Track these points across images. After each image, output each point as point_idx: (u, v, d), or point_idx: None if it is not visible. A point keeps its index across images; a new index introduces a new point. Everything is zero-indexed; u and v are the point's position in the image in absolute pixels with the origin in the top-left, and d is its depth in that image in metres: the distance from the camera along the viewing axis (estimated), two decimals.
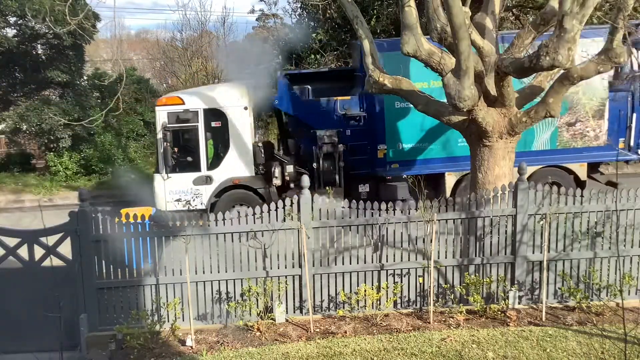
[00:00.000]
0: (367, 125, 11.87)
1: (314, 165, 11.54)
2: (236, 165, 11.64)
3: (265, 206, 7.53)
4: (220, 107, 11.61)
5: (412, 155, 11.73)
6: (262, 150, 11.89)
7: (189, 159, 11.66)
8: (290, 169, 11.83)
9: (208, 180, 11.47)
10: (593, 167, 12.11)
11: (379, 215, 7.63)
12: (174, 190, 11.49)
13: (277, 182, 11.55)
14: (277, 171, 11.55)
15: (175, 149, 11.58)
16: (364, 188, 11.77)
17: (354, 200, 7.69)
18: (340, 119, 11.88)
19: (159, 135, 11.42)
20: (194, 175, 11.54)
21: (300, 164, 12.02)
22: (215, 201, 11.59)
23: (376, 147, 11.74)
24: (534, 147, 11.60)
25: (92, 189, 17.50)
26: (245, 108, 11.71)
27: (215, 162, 11.72)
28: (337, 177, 11.40)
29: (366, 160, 11.91)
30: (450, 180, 11.75)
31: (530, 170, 11.07)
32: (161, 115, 11.43)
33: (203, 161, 11.56)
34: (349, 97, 12.01)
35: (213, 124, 11.63)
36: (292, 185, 11.73)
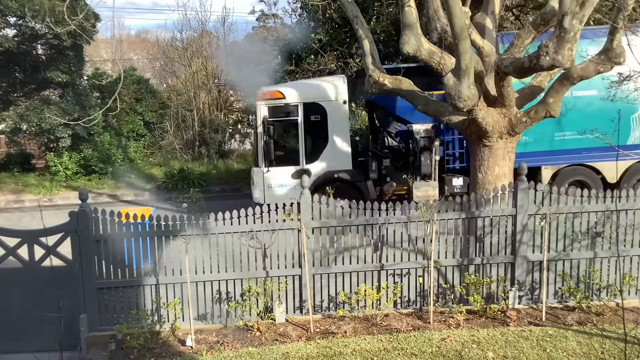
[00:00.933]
0: None
1: (410, 159, 11.73)
2: (334, 159, 11.84)
3: (265, 206, 7.53)
4: (320, 101, 11.78)
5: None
6: (359, 144, 12.03)
7: (288, 152, 11.93)
8: (386, 162, 12.03)
9: (307, 173, 11.71)
10: None
11: (379, 215, 7.63)
12: (272, 184, 11.75)
13: (373, 175, 11.77)
14: (373, 165, 11.76)
15: (275, 143, 11.79)
16: (457, 182, 11.81)
17: (354, 200, 7.69)
18: None
19: (259, 129, 11.70)
20: (292, 168, 11.82)
21: (394, 158, 12.22)
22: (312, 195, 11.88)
23: None
24: (629, 142, 11.46)
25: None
26: (345, 102, 11.91)
27: (313, 155, 11.94)
28: (432, 171, 11.51)
29: (461, 154, 11.98)
30: (546, 173, 11.70)
31: (624, 165, 11.20)
32: (262, 109, 11.67)
33: (302, 155, 11.81)
34: (443, 92, 12.08)
35: (312, 118, 11.83)
36: (388, 179, 11.94)
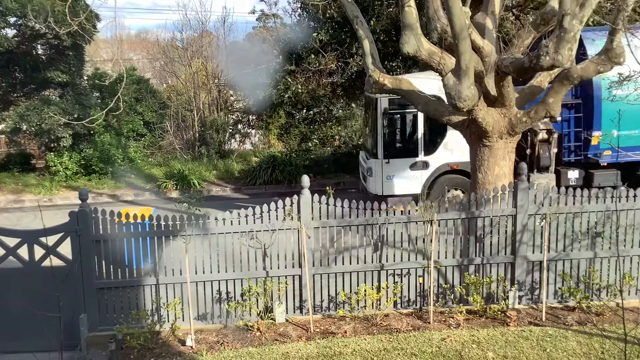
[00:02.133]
0: (580, 112, 11.92)
1: (527, 151, 11.76)
2: (453, 151, 12.00)
3: (265, 206, 7.53)
4: (439, 94, 11.87)
5: (628, 142, 11.63)
6: None
7: (407, 144, 12.19)
8: None
9: (424, 165, 12.03)
10: None
11: (379, 215, 7.63)
12: (391, 175, 12.07)
13: None
14: None
15: (394, 135, 12.13)
16: (573, 174, 11.90)
17: (354, 200, 7.69)
18: None
19: (379, 121, 11.93)
20: (411, 160, 12.13)
21: None
22: (430, 186, 12.15)
23: (590, 133, 11.80)
24: None
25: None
26: None
27: (431, 147, 12.18)
28: (551, 163, 11.60)
29: (578, 147, 12.03)
30: None
31: None
32: (382, 102, 11.88)
33: (420, 147, 12.06)
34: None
35: None
36: None
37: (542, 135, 11.55)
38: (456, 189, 11.99)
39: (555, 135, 11.52)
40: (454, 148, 11.99)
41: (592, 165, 11.94)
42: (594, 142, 11.73)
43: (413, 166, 12.13)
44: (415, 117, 12.04)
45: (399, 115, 12.12)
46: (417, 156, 12.15)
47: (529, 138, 11.69)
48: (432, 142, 12.25)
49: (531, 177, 11.25)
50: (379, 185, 12.23)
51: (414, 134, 12.18)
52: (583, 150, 11.92)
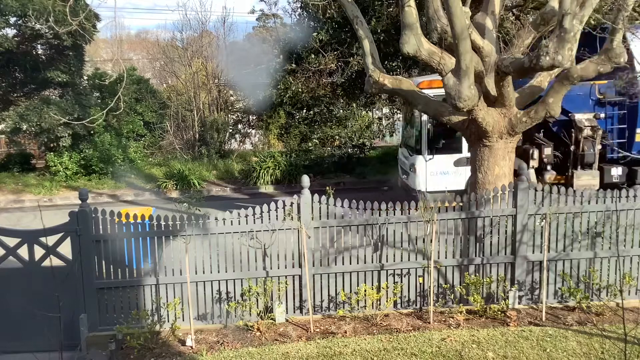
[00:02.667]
0: (624, 109, 11.87)
1: (572, 148, 11.75)
2: None
3: (265, 206, 7.53)
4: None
5: None
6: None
7: (451, 140, 12.17)
8: (547, 151, 12.04)
9: (468, 161, 11.92)
10: None
11: (379, 215, 7.63)
12: (434, 171, 12.10)
13: (534, 164, 11.85)
14: (535, 153, 11.82)
15: (438, 131, 12.09)
16: (616, 171, 11.88)
17: (353, 200, 7.69)
18: (596, 103, 12.00)
19: (424, 118, 11.95)
20: (455, 156, 12.15)
21: (554, 147, 12.28)
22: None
23: (634, 130, 11.78)
24: None
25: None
26: None
27: None
28: (595, 160, 11.57)
29: (622, 144, 11.99)
30: None
31: None
32: None
33: (465, 143, 11.92)
34: (605, 82, 12.04)
35: None
36: (548, 167, 12.01)
37: (587, 132, 11.52)
38: None
39: (600, 132, 11.49)
40: None
41: (636, 162, 11.97)
42: (637, 139, 11.76)
43: (457, 162, 12.18)
44: None
45: None
46: (461, 152, 12.18)
47: (572, 135, 11.73)
48: None
49: (575, 173, 11.37)
50: (422, 182, 12.30)
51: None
52: (627, 147, 11.92)
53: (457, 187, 12.20)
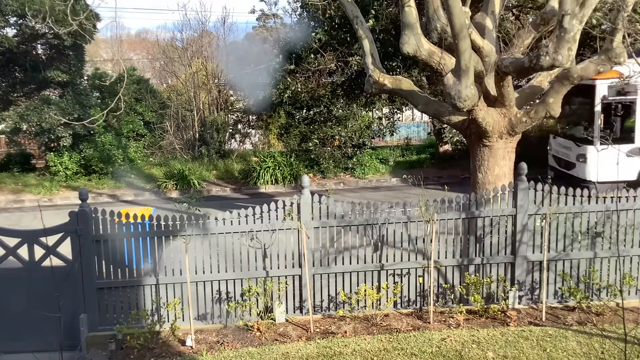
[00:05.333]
0: None
1: None
2: None
3: (265, 206, 7.53)
4: None
5: None
6: None
7: (623, 131, 12.31)
8: None
9: None
10: None
11: (379, 215, 7.63)
12: (607, 162, 12.15)
13: None
14: None
15: (610, 121, 12.22)
16: None
17: (353, 200, 7.69)
18: None
19: (597, 108, 12.06)
20: (628, 146, 12.25)
21: None
22: None
23: None
24: None
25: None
26: None
27: None
28: None
29: None
30: None
31: None
32: (601, 88, 12.03)
33: (638, 133, 12.17)
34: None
35: None
36: None
37: None
38: None
39: None
40: None
41: None
42: None
43: (630, 152, 12.26)
44: (634, 104, 12.17)
45: (616, 102, 12.20)
46: (634, 142, 12.29)
47: None
48: None
49: None
50: (593, 172, 12.35)
51: (632, 120, 12.32)
52: None
53: (628, 177, 12.27)
